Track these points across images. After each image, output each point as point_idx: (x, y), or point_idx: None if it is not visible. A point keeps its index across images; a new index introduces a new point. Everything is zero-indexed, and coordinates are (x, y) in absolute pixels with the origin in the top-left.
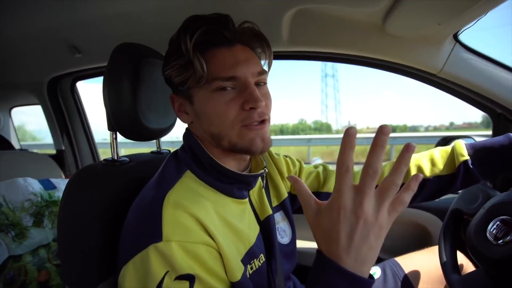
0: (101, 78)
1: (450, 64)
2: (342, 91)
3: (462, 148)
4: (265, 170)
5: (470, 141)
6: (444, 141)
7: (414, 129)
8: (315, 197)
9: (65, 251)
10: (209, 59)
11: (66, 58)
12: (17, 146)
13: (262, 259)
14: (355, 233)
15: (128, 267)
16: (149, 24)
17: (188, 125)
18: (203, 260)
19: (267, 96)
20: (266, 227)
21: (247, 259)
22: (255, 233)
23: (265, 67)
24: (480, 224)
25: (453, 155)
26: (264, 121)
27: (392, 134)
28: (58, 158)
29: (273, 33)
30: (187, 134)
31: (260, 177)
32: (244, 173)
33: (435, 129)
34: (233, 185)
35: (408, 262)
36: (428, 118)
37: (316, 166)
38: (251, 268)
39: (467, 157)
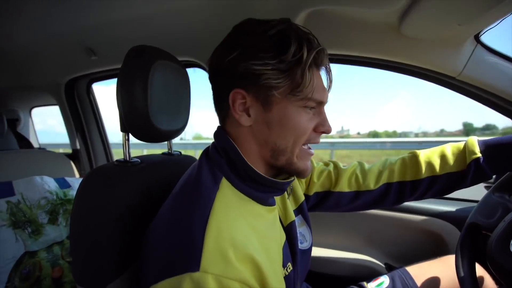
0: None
1: (471, 66)
2: (335, 94)
3: (474, 145)
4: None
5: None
6: None
7: (405, 135)
8: None
9: (76, 249)
10: (310, 78)
11: (83, 60)
12: (35, 145)
13: (290, 268)
14: None
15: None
16: (163, 27)
17: (231, 124)
18: None
19: None
20: (290, 233)
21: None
22: (282, 241)
23: None
24: (502, 238)
25: (464, 152)
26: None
27: (380, 139)
28: (74, 157)
29: None
30: (221, 134)
31: None
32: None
33: (425, 135)
34: (269, 194)
35: (419, 272)
36: (418, 124)
37: (326, 164)
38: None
39: (478, 155)
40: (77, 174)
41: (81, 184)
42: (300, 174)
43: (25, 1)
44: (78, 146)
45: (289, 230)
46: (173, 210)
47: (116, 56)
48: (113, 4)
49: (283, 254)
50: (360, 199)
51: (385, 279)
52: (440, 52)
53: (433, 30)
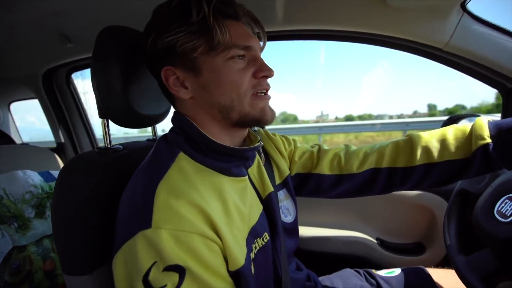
0: None
1: (457, 36)
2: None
3: (483, 128)
4: (260, 143)
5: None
6: (451, 120)
7: (381, 118)
8: None
9: (59, 239)
10: (226, 28)
11: (58, 48)
12: (18, 141)
13: (266, 238)
14: None
15: (117, 256)
16: (139, 8)
17: (181, 103)
18: (198, 252)
19: None
20: (269, 205)
21: (251, 238)
22: (258, 211)
23: None
24: (487, 203)
25: (470, 136)
26: (267, 91)
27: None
28: (59, 150)
29: (266, 11)
30: (177, 116)
31: (258, 154)
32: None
33: (399, 117)
34: (230, 163)
35: (437, 275)
36: (393, 107)
37: (312, 146)
38: (255, 247)
39: (488, 140)
40: None
41: (60, 173)
42: (261, 121)
43: None
44: (62, 139)
45: (267, 201)
46: (130, 184)
47: (92, 43)
48: None
49: (257, 224)
50: (343, 184)
51: (396, 269)
52: (426, 22)
53: None
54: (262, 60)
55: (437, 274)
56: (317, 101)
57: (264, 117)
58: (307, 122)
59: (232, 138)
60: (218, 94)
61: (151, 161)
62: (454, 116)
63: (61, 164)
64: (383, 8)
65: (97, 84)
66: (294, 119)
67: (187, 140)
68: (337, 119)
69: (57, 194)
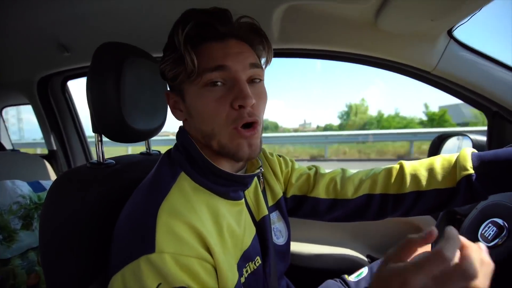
0: None
1: (445, 61)
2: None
3: (466, 159)
4: (260, 169)
5: (466, 139)
6: (440, 139)
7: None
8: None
9: (46, 255)
10: (201, 53)
11: (55, 57)
12: (8, 146)
13: (258, 262)
14: None
15: (117, 278)
16: (138, 22)
17: (183, 123)
18: (197, 275)
19: (260, 95)
20: (262, 228)
21: (242, 263)
22: (251, 235)
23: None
24: (472, 226)
25: (455, 166)
26: (254, 125)
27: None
28: (51, 158)
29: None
30: (181, 133)
31: (257, 179)
32: (239, 173)
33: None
34: (229, 187)
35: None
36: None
37: (309, 168)
38: (246, 271)
39: (470, 171)
40: (54, 176)
41: (50, 188)
42: (235, 157)
43: None
44: (54, 147)
45: (261, 224)
46: (131, 204)
47: (90, 53)
48: None
49: (250, 248)
50: (339, 209)
51: (364, 269)
52: (415, 47)
53: (408, 25)
54: (242, 85)
55: None
56: (305, 109)
57: (238, 153)
58: (288, 130)
59: (230, 162)
60: (199, 122)
61: (153, 181)
62: (443, 135)
63: (52, 173)
64: (375, 31)
65: (92, 99)
66: (275, 127)
67: (189, 159)
68: (318, 128)
69: (46, 209)
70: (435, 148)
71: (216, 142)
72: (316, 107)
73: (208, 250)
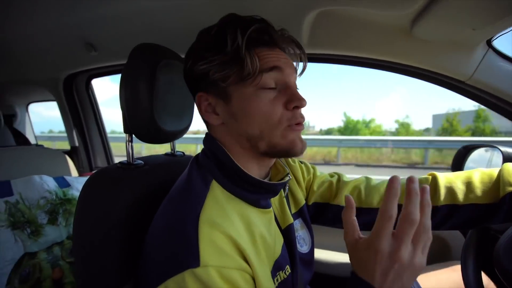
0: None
1: (481, 71)
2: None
3: (511, 174)
4: (289, 177)
5: (496, 152)
6: (466, 149)
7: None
8: (359, 231)
9: (79, 254)
10: (256, 57)
11: (82, 55)
12: (33, 141)
13: (288, 271)
14: (389, 274)
15: None
16: (166, 23)
17: (213, 128)
18: (238, 286)
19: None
20: (288, 236)
21: (274, 272)
22: (280, 243)
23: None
24: (511, 243)
25: (498, 181)
26: (301, 122)
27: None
28: (73, 154)
29: (292, 34)
30: (209, 139)
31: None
32: (267, 181)
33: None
34: (261, 195)
35: (424, 278)
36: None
37: (331, 175)
38: (277, 281)
39: None
40: (75, 172)
41: (84, 187)
42: (290, 153)
43: None
44: (76, 143)
45: (287, 232)
46: (167, 216)
47: (116, 52)
48: None
49: (280, 257)
50: (361, 217)
51: None
52: (450, 55)
53: (446, 34)
54: (293, 88)
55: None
56: (310, 111)
57: (294, 149)
58: None
59: (260, 167)
60: (246, 124)
61: (186, 189)
62: (469, 146)
63: (73, 168)
64: (408, 38)
65: (126, 100)
66: None
67: (219, 166)
68: (320, 131)
69: (80, 210)
70: (460, 159)
71: (265, 143)
72: (322, 110)
73: (246, 260)
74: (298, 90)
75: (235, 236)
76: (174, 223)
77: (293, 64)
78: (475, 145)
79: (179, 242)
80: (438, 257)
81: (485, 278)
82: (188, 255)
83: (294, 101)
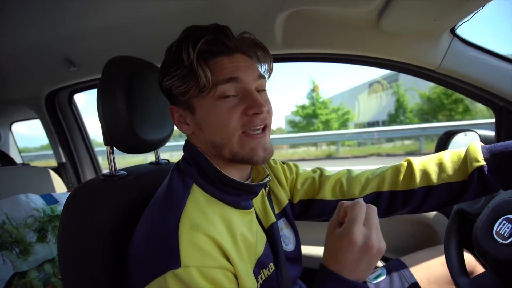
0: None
1: (449, 58)
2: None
3: (477, 152)
4: (269, 178)
5: (473, 135)
6: (447, 135)
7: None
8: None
9: (65, 268)
10: (212, 68)
11: (62, 71)
12: (18, 160)
13: (272, 268)
14: (360, 262)
15: None
16: (142, 35)
17: (188, 136)
18: (221, 285)
19: (268, 102)
20: (271, 235)
21: (257, 270)
22: (263, 242)
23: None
24: (485, 224)
25: (466, 159)
26: (265, 128)
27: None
28: (60, 170)
29: (266, 36)
30: (188, 146)
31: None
32: (248, 182)
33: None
34: (240, 197)
35: (413, 261)
36: None
37: (314, 171)
38: (261, 278)
39: (482, 163)
40: (64, 188)
41: (66, 202)
42: (251, 162)
43: None
44: (63, 160)
45: (270, 232)
46: (149, 220)
47: (96, 66)
48: (89, 13)
49: (263, 255)
50: None
51: (382, 271)
52: (418, 46)
53: (410, 25)
54: (253, 95)
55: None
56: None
57: (253, 158)
58: None
59: (238, 170)
60: (209, 133)
61: (167, 194)
62: (450, 131)
63: (62, 185)
64: (377, 32)
65: (103, 113)
66: None
67: (199, 171)
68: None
69: (63, 224)
70: (442, 145)
71: (227, 150)
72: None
73: (228, 259)
74: (266, 91)
75: (216, 236)
76: (155, 228)
77: (255, 69)
78: (455, 131)
79: (160, 246)
80: (427, 243)
81: (470, 257)
82: (168, 257)
83: (253, 108)
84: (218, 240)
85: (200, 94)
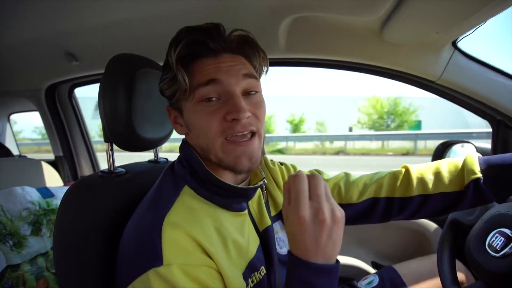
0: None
1: (449, 71)
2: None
3: (474, 163)
4: (264, 181)
5: (470, 146)
6: (444, 146)
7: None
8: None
9: (60, 264)
10: (194, 70)
11: (63, 65)
12: (15, 152)
13: (263, 272)
14: (319, 239)
15: None
16: (146, 33)
17: (185, 136)
18: (204, 283)
19: (258, 105)
20: (265, 238)
21: (248, 273)
22: (255, 245)
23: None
24: (478, 236)
25: (462, 170)
26: (253, 135)
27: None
28: (57, 164)
29: (270, 40)
30: (184, 146)
31: (260, 190)
32: (242, 185)
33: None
34: (232, 199)
35: (406, 269)
36: None
37: (311, 173)
38: (252, 282)
39: (478, 175)
40: (60, 182)
41: (64, 197)
42: (234, 170)
43: (1, 5)
44: (61, 153)
45: (264, 235)
46: (135, 223)
47: (98, 61)
48: (93, 9)
49: (255, 258)
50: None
51: (374, 278)
52: (420, 57)
53: (413, 37)
54: (235, 98)
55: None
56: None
57: (237, 166)
58: None
59: (233, 173)
60: (195, 136)
61: (157, 195)
62: (447, 142)
63: (58, 178)
64: (380, 42)
65: (104, 110)
66: None
67: (192, 172)
68: None
69: (60, 220)
70: (439, 155)
71: (213, 156)
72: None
73: (210, 257)
74: (259, 93)
75: (197, 236)
76: (140, 229)
77: (242, 68)
78: (452, 142)
79: (143, 244)
80: (420, 251)
81: (462, 267)
82: (151, 256)
83: (232, 113)
84: (199, 240)
85: (183, 97)
